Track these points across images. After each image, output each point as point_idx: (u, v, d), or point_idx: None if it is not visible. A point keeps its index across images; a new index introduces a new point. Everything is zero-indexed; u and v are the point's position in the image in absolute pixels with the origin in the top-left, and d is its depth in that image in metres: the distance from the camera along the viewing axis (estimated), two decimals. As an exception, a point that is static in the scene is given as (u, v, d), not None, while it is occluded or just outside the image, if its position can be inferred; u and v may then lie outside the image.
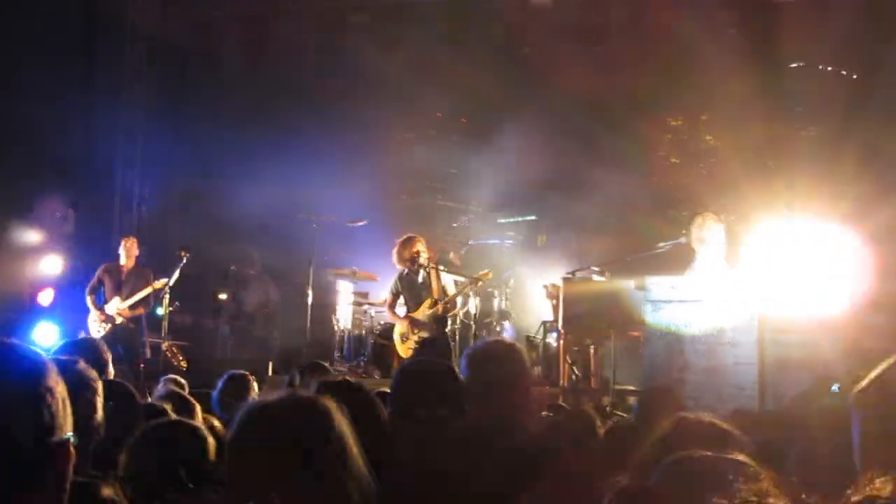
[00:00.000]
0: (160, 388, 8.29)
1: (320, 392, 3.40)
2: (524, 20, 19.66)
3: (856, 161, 17.54)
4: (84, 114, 18.71)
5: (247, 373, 8.22)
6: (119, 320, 14.36)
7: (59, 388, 2.08)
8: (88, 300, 14.74)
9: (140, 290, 14.56)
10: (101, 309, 14.58)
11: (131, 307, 14.48)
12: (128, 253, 14.96)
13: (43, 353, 2.10)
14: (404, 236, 13.79)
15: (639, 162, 19.54)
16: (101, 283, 14.90)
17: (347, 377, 3.70)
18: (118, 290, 14.69)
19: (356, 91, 19.44)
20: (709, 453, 2.62)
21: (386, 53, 18.99)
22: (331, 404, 2.60)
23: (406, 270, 13.61)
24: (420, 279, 13.58)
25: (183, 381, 8.86)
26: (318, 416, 2.50)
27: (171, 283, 13.94)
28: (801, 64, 18.43)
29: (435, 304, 13.51)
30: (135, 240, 15.16)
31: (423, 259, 13.51)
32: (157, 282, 14.65)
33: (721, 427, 3.20)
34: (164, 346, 13.99)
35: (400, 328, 13.88)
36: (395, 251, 13.67)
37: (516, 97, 19.39)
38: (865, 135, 17.55)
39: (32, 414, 1.99)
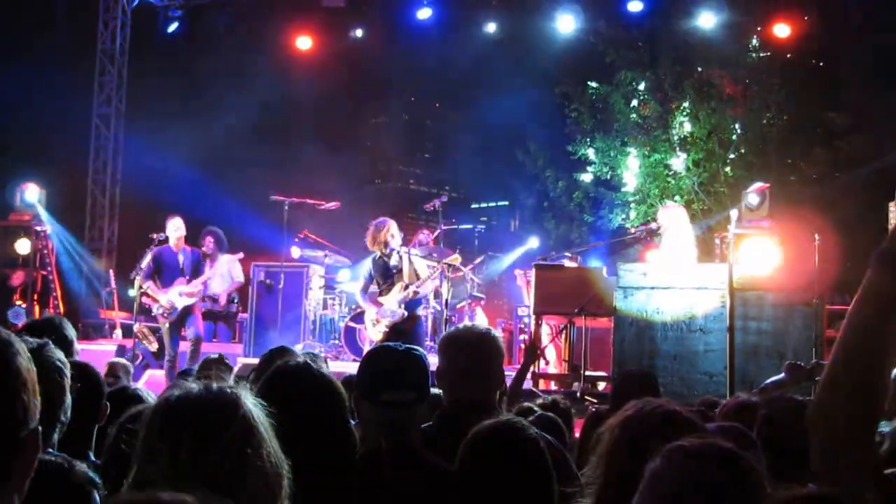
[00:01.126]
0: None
1: (275, 380, 3.40)
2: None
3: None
4: (60, 93, 18.60)
5: (222, 355, 8.22)
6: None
7: (31, 377, 2.07)
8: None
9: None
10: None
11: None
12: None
13: (15, 339, 2.09)
14: (377, 220, 13.75)
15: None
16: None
17: (308, 360, 3.66)
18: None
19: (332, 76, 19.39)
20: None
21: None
22: (243, 394, 2.58)
23: (379, 254, 13.57)
24: (392, 263, 13.55)
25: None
26: (225, 405, 2.48)
27: (143, 266, 13.82)
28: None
29: (406, 287, 13.49)
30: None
31: (395, 243, 13.48)
32: None
33: (684, 415, 3.20)
34: (136, 327, 13.93)
35: (370, 313, 13.87)
36: (368, 235, 13.62)
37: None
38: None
39: (8, 410, 1.99)
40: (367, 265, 13.94)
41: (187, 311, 13.59)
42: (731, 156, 20.72)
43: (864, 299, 2.15)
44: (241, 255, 16.04)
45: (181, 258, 13.81)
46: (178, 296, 13.58)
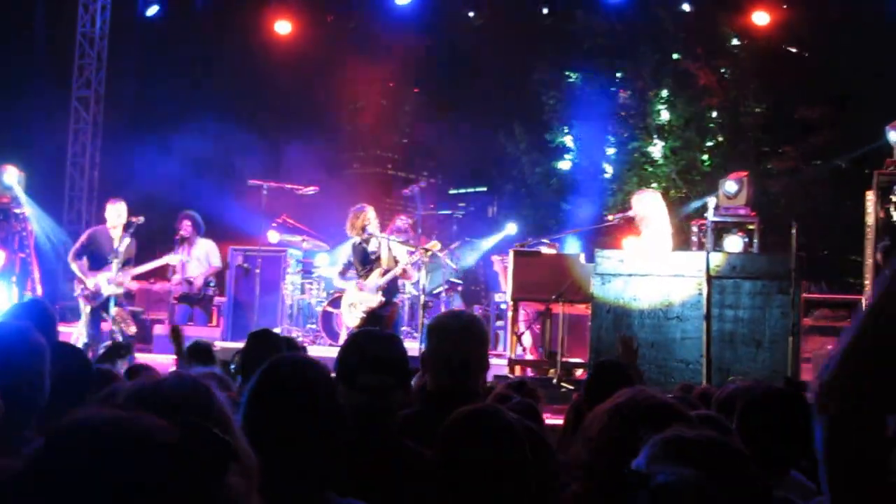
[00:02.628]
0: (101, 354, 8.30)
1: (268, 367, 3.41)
2: None
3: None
4: (39, 76, 18.52)
5: (210, 342, 8.23)
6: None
7: None
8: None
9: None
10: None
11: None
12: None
13: None
14: (356, 206, 13.77)
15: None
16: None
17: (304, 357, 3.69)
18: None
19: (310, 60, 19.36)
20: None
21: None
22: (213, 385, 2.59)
23: (358, 240, 13.59)
24: (371, 248, 13.58)
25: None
26: (199, 394, 2.49)
27: (121, 249, 13.76)
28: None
29: (385, 273, 13.51)
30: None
31: (373, 228, 13.50)
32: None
33: (674, 405, 3.24)
34: (114, 311, 13.90)
35: (348, 298, 13.89)
36: (348, 220, 13.64)
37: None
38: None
39: None
40: (346, 250, 13.96)
41: (111, 300, 13.49)
42: (709, 143, 20.80)
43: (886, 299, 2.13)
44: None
45: (118, 245, 13.69)
46: (105, 282, 13.53)
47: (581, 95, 21.31)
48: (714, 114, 20.65)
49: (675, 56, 20.55)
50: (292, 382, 3.23)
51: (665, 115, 20.78)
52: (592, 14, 20.54)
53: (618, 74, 21.17)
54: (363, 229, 13.49)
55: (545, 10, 20.45)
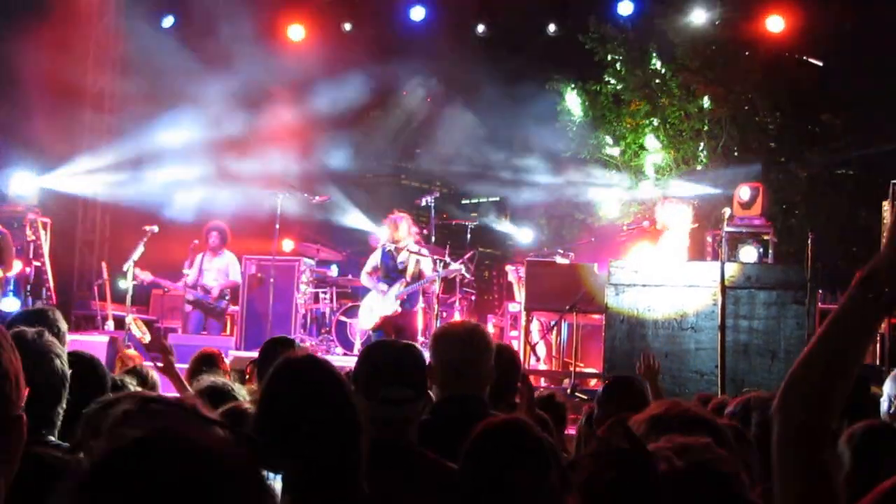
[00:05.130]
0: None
1: (282, 371, 3.40)
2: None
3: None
4: (55, 85, 18.52)
5: (216, 350, 8.22)
6: None
7: (14, 368, 2.09)
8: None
9: None
10: None
11: None
12: None
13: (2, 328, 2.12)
14: (395, 214, 13.95)
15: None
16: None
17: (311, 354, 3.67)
18: None
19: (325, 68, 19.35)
20: None
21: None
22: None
23: (389, 247, 13.72)
24: (400, 259, 13.69)
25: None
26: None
27: (136, 258, 13.82)
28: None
29: (407, 285, 13.62)
30: None
31: (400, 236, 13.65)
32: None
33: (709, 419, 3.22)
34: (128, 319, 13.92)
35: (368, 301, 14.01)
36: (383, 227, 13.83)
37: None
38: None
39: None
40: (377, 254, 14.13)
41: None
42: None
43: (843, 313, 2.21)
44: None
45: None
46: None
47: (593, 105, 21.21)
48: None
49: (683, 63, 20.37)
50: (303, 375, 3.25)
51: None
52: (604, 24, 20.43)
53: (628, 85, 21.03)
54: (392, 237, 13.64)
55: (552, 27, 20.38)
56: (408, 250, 13.74)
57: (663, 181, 19.63)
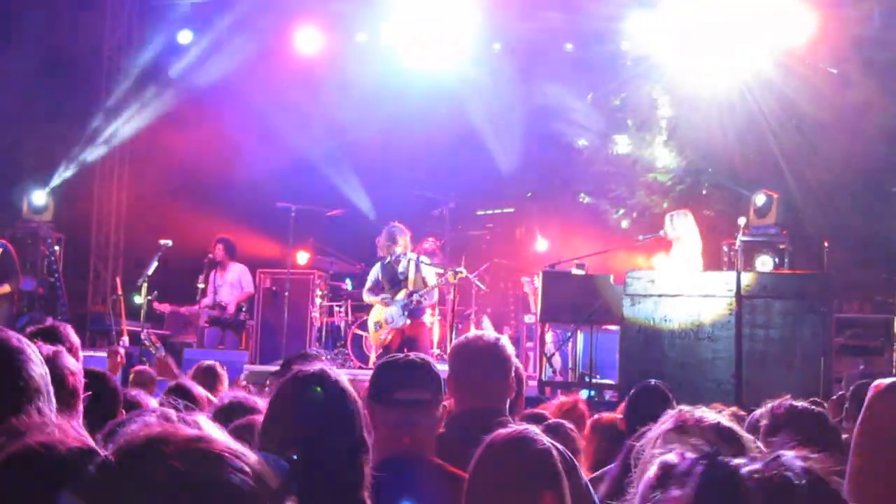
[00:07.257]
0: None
1: (294, 385, 3.39)
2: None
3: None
4: (66, 107, 18.59)
5: (216, 364, 8.22)
6: None
7: (45, 382, 2.08)
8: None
9: None
10: None
11: None
12: None
13: (28, 346, 2.10)
14: (389, 225, 13.86)
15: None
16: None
17: (325, 368, 3.66)
18: None
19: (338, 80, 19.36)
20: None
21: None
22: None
23: (388, 260, 13.67)
24: (400, 269, 13.63)
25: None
26: None
27: (150, 273, 13.82)
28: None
29: (410, 295, 13.56)
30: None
31: (399, 249, 13.59)
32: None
33: (737, 432, 3.17)
34: (143, 334, 13.93)
35: (375, 316, 13.96)
36: (378, 240, 13.75)
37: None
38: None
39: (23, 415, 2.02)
40: (376, 269, 14.06)
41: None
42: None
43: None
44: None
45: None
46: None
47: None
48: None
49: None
50: (308, 390, 3.25)
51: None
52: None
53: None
54: (388, 249, 13.59)
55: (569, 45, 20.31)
56: (407, 259, 13.73)
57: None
